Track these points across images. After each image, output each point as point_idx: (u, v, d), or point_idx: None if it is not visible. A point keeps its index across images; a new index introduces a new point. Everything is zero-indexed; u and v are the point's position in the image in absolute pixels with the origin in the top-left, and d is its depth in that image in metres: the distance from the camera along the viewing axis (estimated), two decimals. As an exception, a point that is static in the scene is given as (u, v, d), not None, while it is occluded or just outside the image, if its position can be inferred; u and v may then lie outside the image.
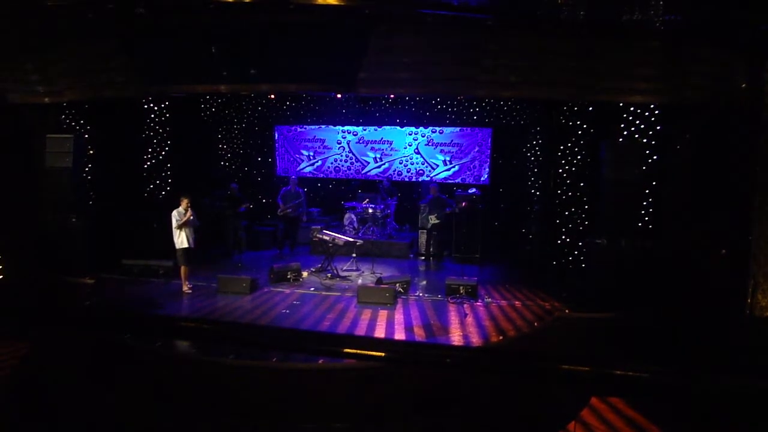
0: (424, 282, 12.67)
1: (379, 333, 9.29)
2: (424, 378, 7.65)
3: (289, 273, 12.47)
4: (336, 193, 18.59)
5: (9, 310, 2.48)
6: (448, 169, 17.46)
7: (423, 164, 17.68)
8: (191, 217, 11.40)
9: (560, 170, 12.86)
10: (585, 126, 12.48)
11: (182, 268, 11.61)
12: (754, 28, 8.66)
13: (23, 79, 11.70)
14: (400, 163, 17.88)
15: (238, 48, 10.16)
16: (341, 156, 18.38)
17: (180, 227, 11.34)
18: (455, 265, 14.14)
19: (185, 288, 11.60)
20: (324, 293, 11.62)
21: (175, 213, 11.37)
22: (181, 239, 11.41)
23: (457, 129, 17.27)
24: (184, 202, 11.40)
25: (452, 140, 17.33)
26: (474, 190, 15.04)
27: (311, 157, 18.61)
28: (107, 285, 11.80)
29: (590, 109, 12.28)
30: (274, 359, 8.06)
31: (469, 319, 10.00)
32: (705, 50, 9.51)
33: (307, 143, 18.60)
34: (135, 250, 13.07)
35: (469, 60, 10.24)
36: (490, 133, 17.04)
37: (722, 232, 9.68)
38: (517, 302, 11.09)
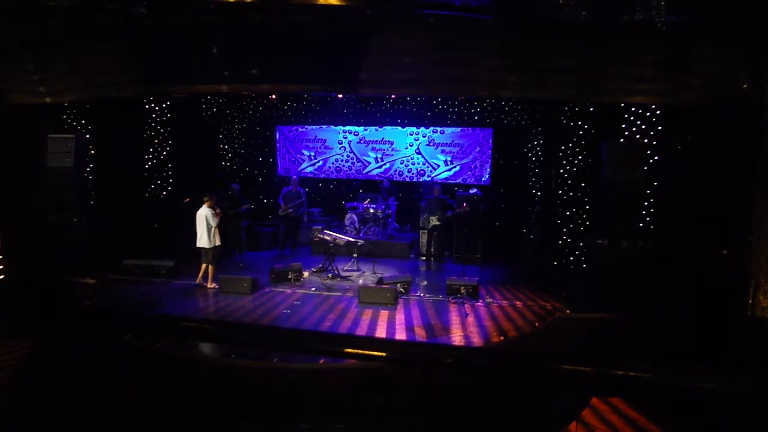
0: (425, 282, 12.68)
1: (380, 333, 9.30)
2: (425, 378, 7.65)
3: (290, 273, 12.47)
4: (337, 193, 18.62)
5: (10, 309, 2.48)
6: (449, 170, 17.46)
7: (424, 164, 17.68)
8: (220, 215, 11.81)
9: (561, 170, 12.86)
10: (586, 126, 12.48)
11: (211, 267, 11.84)
12: (755, 28, 8.66)
13: (24, 79, 11.69)
14: (402, 164, 17.89)
15: (239, 48, 10.17)
16: (342, 156, 18.40)
17: (216, 226, 11.68)
18: (456, 266, 14.16)
19: (211, 285, 11.86)
20: (325, 293, 11.63)
21: (209, 212, 11.60)
22: (212, 237, 11.66)
23: (458, 129, 17.28)
24: (210, 201, 11.70)
25: (453, 140, 17.34)
26: (475, 190, 15.05)
27: (312, 157, 18.62)
28: (108, 285, 11.81)
29: (591, 109, 12.28)
30: (275, 359, 8.06)
31: (470, 320, 10.00)
32: (706, 51, 9.50)
33: (308, 143, 18.61)
34: (136, 250, 13.08)
35: (470, 60, 10.23)
36: (491, 134, 17.06)
37: (723, 233, 9.66)
38: (518, 302, 11.09)
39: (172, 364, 8.48)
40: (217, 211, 11.78)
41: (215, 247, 11.75)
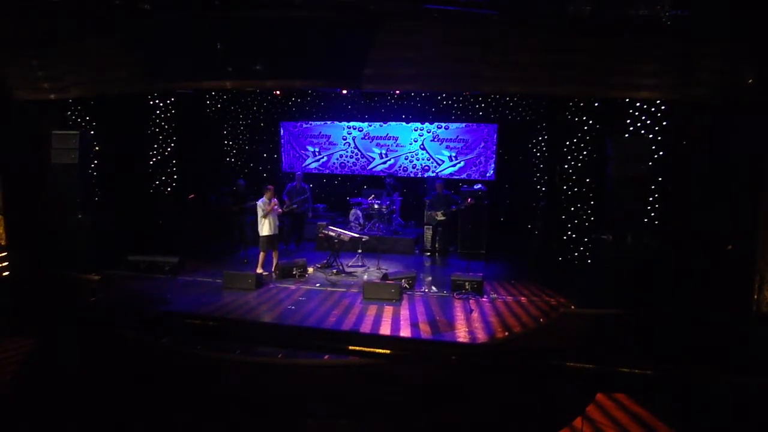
0: (430, 278, 12.67)
1: (385, 329, 9.30)
2: (429, 374, 7.65)
3: (294, 269, 12.48)
4: (341, 189, 18.61)
5: (15, 306, 2.49)
6: (454, 165, 17.44)
7: (428, 160, 17.67)
8: (275, 207, 12.31)
9: (566, 166, 12.83)
10: (591, 122, 12.45)
11: (261, 254, 12.47)
12: (762, 23, 8.62)
13: (29, 75, 11.72)
14: (406, 159, 17.88)
15: (243, 44, 10.17)
16: (347, 152, 18.39)
17: (265, 216, 12.16)
18: (461, 261, 14.13)
19: (260, 270, 12.37)
20: (329, 289, 11.64)
21: (259, 203, 12.22)
22: (265, 227, 12.23)
23: (463, 125, 17.26)
24: (268, 193, 12.23)
25: (458, 136, 17.32)
26: (480, 185, 15.01)
27: (317, 153, 18.63)
28: (113, 281, 11.82)
29: (596, 104, 12.25)
30: (280, 355, 8.08)
31: (475, 315, 10.00)
32: (712, 46, 9.46)
33: (312, 139, 18.61)
34: (141, 246, 13.09)
35: (475, 56, 10.21)
36: (496, 129, 17.03)
37: (729, 229, 9.64)
38: (522, 298, 11.08)
39: (175, 360, 8.50)
40: (273, 203, 12.29)
41: (264, 236, 12.34)
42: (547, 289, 11.61)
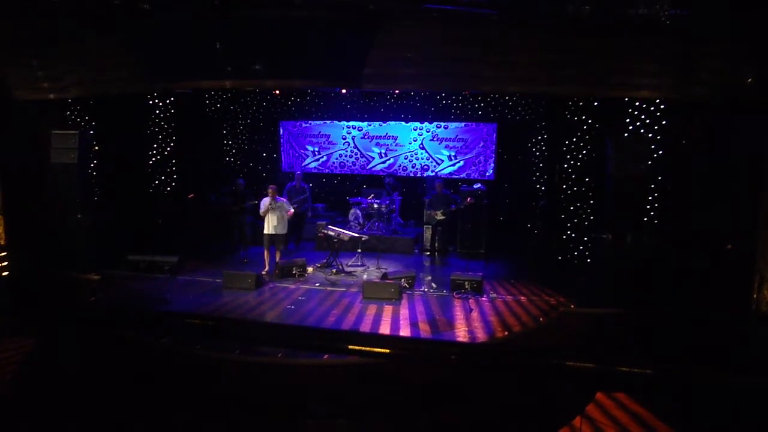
0: (429, 277, 12.66)
1: (384, 328, 9.30)
2: (429, 374, 7.65)
3: (294, 268, 12.47)
4: (341, 188, 18.59)
5: (15, 306, 2.49)
6: (453, 165, 17.45)
7: (428, 160, 17.67)
8: (270, 207, 12.27)
9: (565, 165, 12.82)
10: (590, 121, 12.45)
11: (265, 252, 12.55)
12: (762, 23, 8.62)
13: (29, 75, 11.72)
14: (405, 159, 17.89)
15: (242, 43, 10.17)
16: (346, 151, 18.39)
17: (263, 215, 12.39)
18: (460, 261, 14.12)
19: (266, 269, 12.56)
20: (329, 288, 11.64)
21: (262, 203, 12.37)
22: (265, 225, 12.40)
23: (462, 124, 17.27)
24: (270, 192, 12.29)
25: (457, 135, 17.33)
26: (479, 185, 15.00)
27: (316, 153, 18.62)
28: (113, 281, 11.81)
29: (596, 104, 12.25)
30: (280, 355, 8.08)
31: (474, 315, 9.99)
32: (712, 46, 9.46)
33: (312, 139, 18.61)
34: (140, 246, 13.08)
35: (474, 55, 10.21)
36: (495, 129, 17.05)
37: (729, 229, 9.65)
38: (522, 297, 11.08)
39: (175, 360, 8.50)
40: (267, 202, 12.27)
41: (265, 235, 12.50)
42: (546, 288, 11.61)
